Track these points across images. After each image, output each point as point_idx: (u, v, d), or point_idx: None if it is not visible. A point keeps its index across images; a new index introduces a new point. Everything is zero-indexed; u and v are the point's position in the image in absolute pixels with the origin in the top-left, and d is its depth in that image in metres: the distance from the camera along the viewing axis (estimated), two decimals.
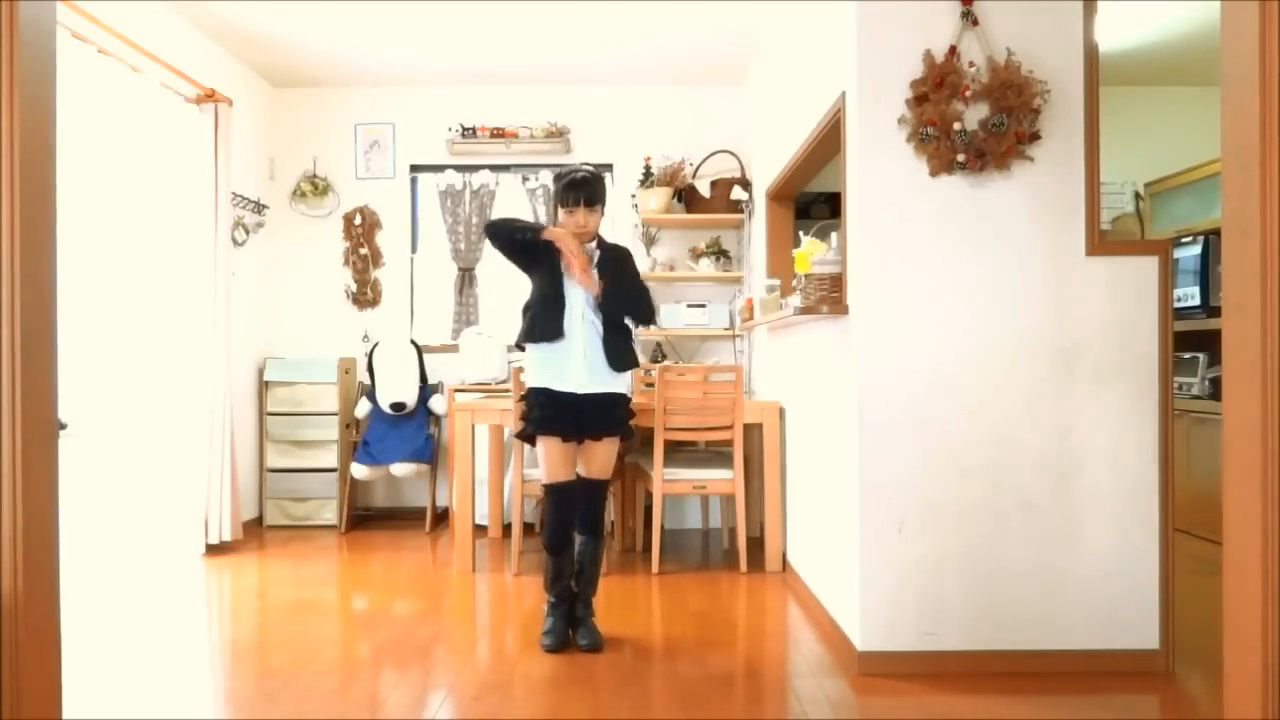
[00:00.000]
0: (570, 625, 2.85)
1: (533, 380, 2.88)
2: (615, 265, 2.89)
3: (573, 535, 2.88)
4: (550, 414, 2.82)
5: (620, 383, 2.89)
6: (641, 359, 4.84)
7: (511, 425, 3.73)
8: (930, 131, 2.50)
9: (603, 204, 2.85)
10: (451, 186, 5.01)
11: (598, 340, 2.82)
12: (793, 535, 3.67)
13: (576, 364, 2.81)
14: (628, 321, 2.92)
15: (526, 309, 2.90)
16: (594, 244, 2.88)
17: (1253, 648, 1.01)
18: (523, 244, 2.81)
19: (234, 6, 3.95)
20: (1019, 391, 2.53)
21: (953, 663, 2.53)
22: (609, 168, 5.04)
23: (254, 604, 3.37)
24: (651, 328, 2.80)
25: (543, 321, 2.81)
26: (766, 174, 4.27)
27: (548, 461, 2.86)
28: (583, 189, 2.77)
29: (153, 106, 3.80)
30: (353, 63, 4.66)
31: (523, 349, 2.93)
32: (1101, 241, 2.54)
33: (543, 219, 4.98)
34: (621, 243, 2.97)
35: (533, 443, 2.92)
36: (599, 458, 2.88)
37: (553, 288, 2.82)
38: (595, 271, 2.83)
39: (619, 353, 2.86)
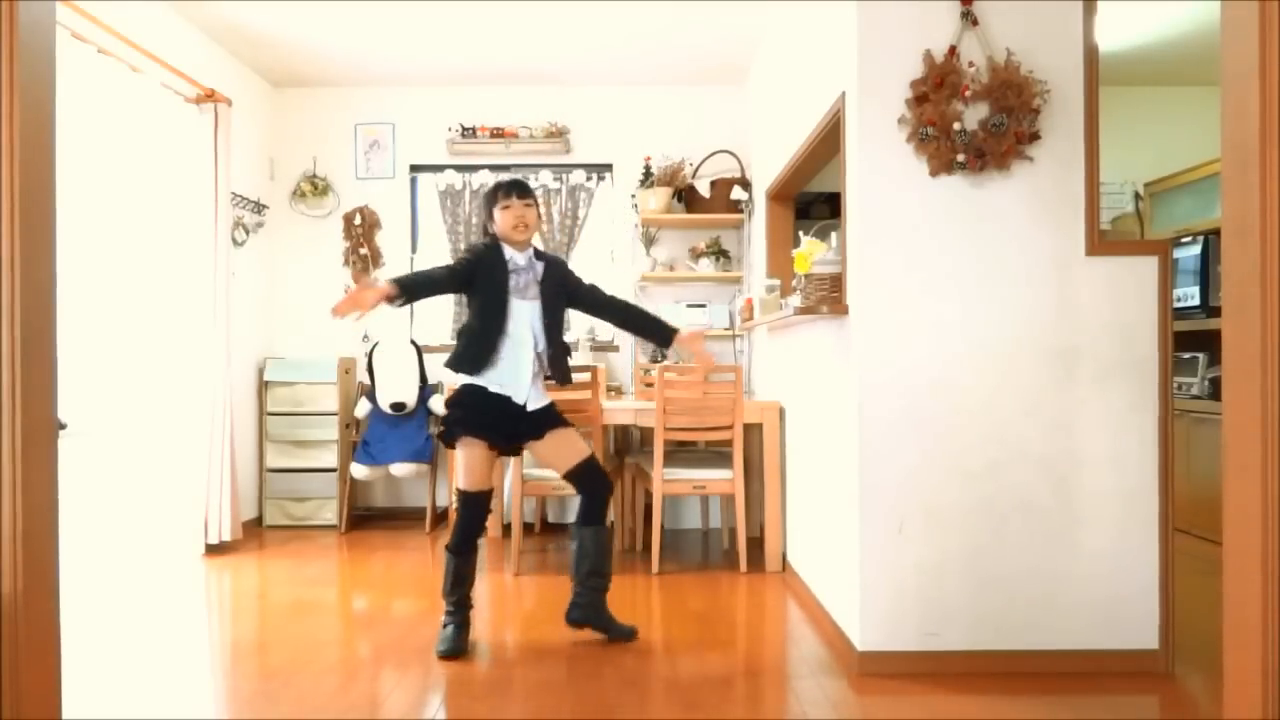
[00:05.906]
0: (465, 633, 2.73)
1: (467, 379, 2.74)
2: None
3: (478, 539, 2.77)
4: (482, 418, 2.70)
5: (546, 398, 2.84)
6: (640, 359, 4.87)
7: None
8: (930, 131, 2.50)
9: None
10: (451, 186, 5.01)
11: (536, 361, 2.75)
12: (793, 535, 3.66)
13: (522, 380, 2.72)
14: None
15: (462, 333, 2.74)
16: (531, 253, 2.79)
17: (1253, 648, 1.01)
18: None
19: (234, 6, 3.95)
20: (1019, 391, 2.53)
21: (953, 663, 2.52)
22: (609, 168, 5.04)
23: (254, 604, 3.36)
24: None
25: (477, 348, 2.67)
26: (766, 174, 4.27)
27: (469, 466, 2.70)
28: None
29: (153, 106, 3.80)
30: (353, 63, 4.66)
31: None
32: (1101, 241, 2.54)
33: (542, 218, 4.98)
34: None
35: (452, 446, 2.74)
36: (564, 446, 2.78)
37: (498, 303, 2.70)
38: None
39: (565, 369, 2.81)
